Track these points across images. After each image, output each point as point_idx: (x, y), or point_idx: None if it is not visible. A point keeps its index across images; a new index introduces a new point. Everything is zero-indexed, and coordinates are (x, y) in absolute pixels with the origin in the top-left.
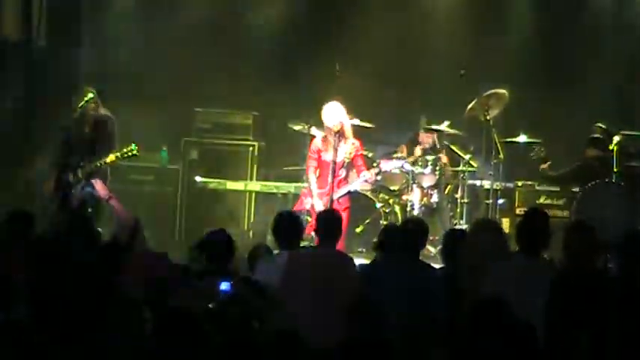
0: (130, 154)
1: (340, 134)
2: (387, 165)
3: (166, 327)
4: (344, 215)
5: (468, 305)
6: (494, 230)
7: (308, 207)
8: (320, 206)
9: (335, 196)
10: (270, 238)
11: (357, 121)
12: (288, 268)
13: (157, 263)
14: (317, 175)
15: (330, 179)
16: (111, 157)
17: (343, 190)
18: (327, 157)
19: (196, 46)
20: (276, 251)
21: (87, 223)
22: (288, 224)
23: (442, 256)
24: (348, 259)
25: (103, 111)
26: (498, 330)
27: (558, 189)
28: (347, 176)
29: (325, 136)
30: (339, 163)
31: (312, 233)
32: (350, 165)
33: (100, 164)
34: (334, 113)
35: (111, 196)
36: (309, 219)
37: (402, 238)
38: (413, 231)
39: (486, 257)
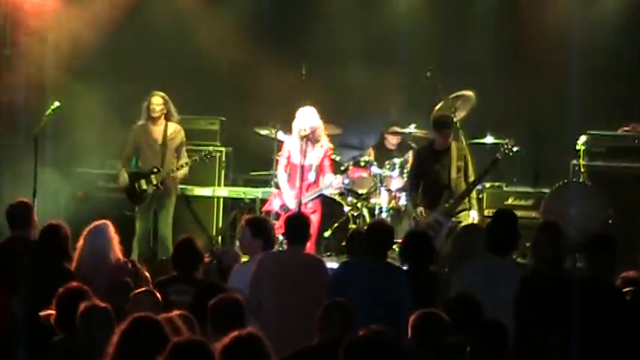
0: (209, 156)
1: (308, 139)
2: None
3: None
4: (314, 218)
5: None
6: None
7: (277, 208)
8: (292, 203)
9: (304, 200)
10: (238, 245)
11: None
12: (260, 271)
13: (123, 269)
14: (287, 173)
15: (297, 183)
16: (186, 161)
17: (312, 194)
18: (296, 159)
19: (162, 52)
20: (244, 258)
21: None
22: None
23: (401, 256)
24: (319, 261)
25: (174, 119)
26: (470, 327)
27: (527, 190)
28: (317, 180)
29: (294, 140)
30: (307, 167)
31: (280, 235)
32: (318, 168)
33: (178, 168)
34: (306, 119)
35: None
36: (276, 222)
37: (367, 240)
38: (377, 233)
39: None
